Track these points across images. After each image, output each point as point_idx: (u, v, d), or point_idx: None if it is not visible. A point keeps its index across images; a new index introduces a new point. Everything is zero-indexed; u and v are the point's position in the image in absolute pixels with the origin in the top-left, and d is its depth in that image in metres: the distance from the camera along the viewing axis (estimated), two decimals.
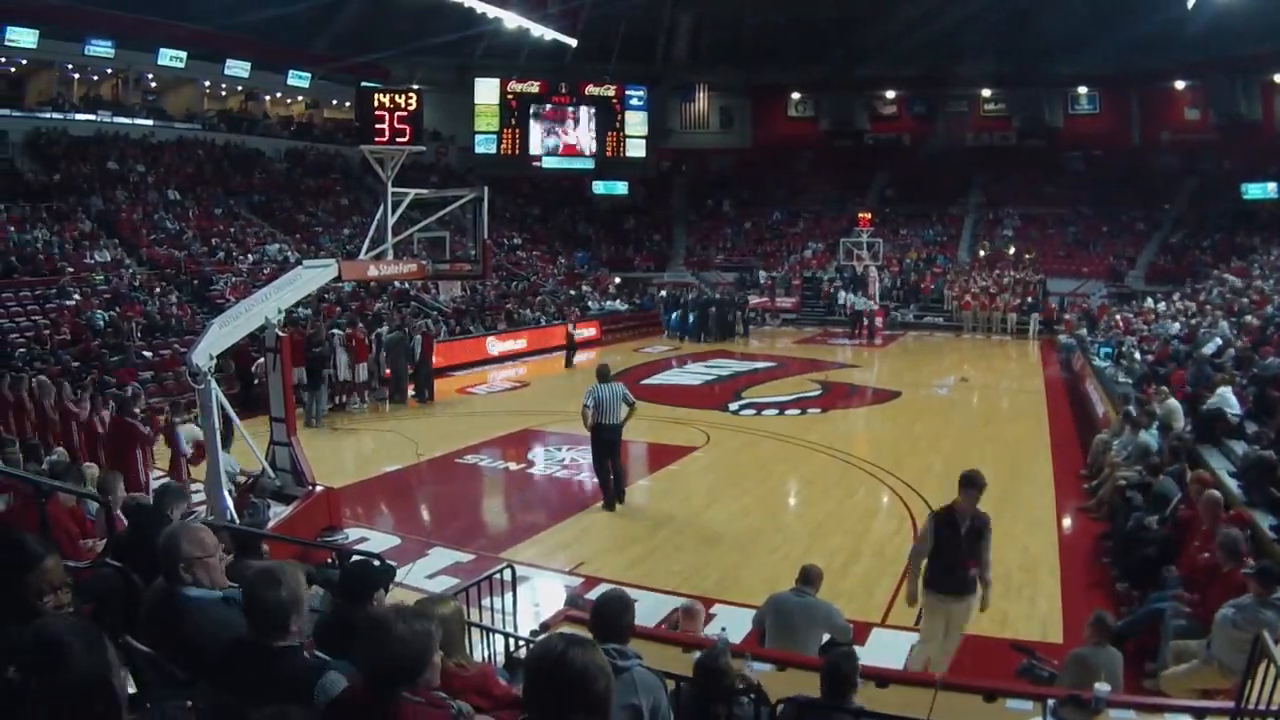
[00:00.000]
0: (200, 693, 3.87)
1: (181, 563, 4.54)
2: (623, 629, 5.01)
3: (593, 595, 9.60)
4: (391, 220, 15.71)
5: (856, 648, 8.46)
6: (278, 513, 12.54)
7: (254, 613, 3.96)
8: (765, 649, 7.96)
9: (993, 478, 16.79)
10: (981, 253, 49.42)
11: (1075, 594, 11.24)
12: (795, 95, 60.78)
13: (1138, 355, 23.98)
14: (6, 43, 38.37)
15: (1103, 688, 5.96)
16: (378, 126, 15.48)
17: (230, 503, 11.73)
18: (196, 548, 4.62)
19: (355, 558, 8.82)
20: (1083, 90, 54.27)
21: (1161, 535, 11.05)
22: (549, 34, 44.72)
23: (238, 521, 11.12)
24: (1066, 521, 14.59)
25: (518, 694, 4.47)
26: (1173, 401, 16.26)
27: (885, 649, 9.71)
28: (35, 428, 16.21)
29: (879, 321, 40.85)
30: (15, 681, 2.73)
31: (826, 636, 8.19)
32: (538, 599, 11.54)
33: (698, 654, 6.88)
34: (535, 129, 56.85)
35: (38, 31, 38.42)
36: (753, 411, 24.50)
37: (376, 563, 7.96)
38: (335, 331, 25.53)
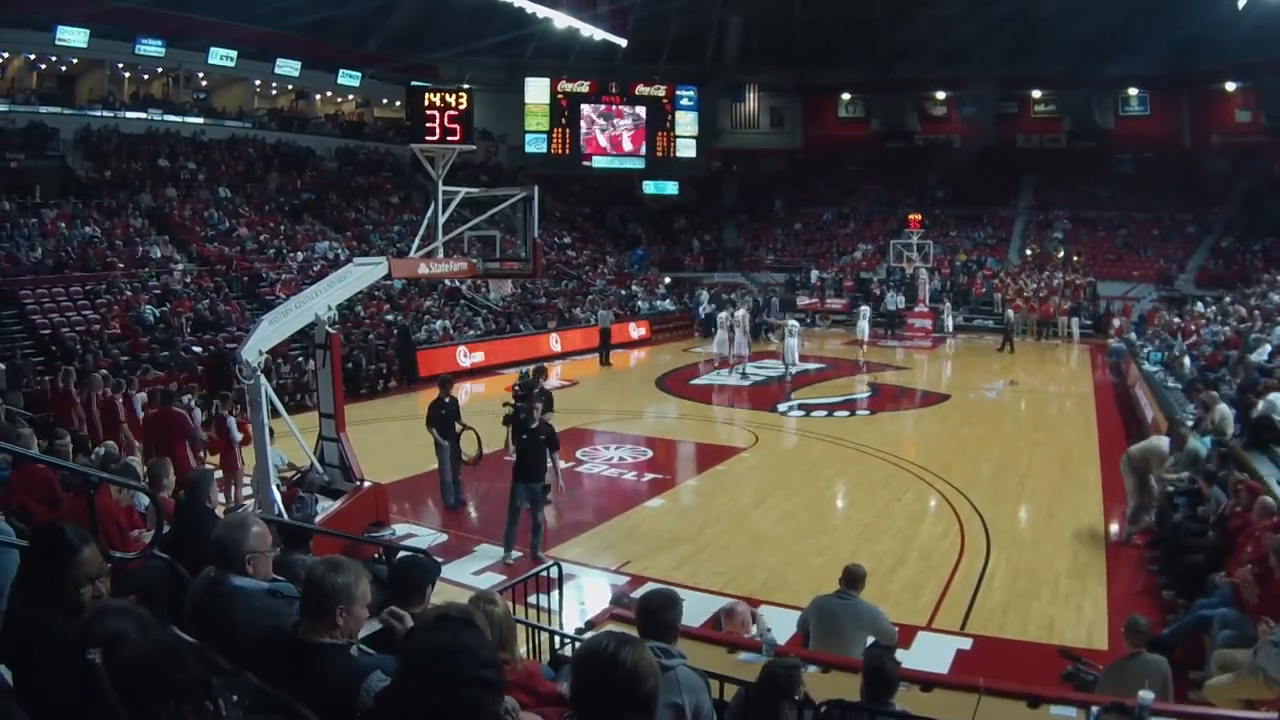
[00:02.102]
0: (245, 684, 3.92)
1: (247, 554, 4.61)
2: (668, 627, 5.02)
3: (639, 594, 9.65)
4: (442, 219, 15.75)
5: (901, 651, 8.48)
6: (325, 507, 12.63)
7: (308, 596, 4.01)
8: (809, 651, 7.96)
9: (1042, 483, 16.74)
10: (1029, 252, 49.07)
11: (1122, 601, 11.16)
12: (845, 96, 60.63)
13: (1187, 360, 23.76)
14: (57, 42, 39.06)
15: (1146, 695, 5.95)
16: (428, 125, 15.50)
17: (279, 497, 11.82)
18: (260, 541, 4.73)
19: (403, 554, 8.89)
20: (1133, 92, 53.85)
21: (1210, 542, 10.97)
22: (599, 34, 44.70)
23: (285, 516, 11.22)
24: (1114, 527, 14.47)
25: (563, 691, 4.50)
26: (1223, 407, 16.12)
27: (930, 652, 9.72)
28: (83, 420, 16.43)
29: (927, 323, 40.66)
30: (95, 664, 2.79)
31: (871, 639, 8.18)
32: (584, 597, 11.64)
33: (741, 654, 6.93)
34: (585, 128, 56.97)
35: (88, 31, 39.00)
36: (802, 413, 24.46)
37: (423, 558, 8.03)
38: None
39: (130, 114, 41.40)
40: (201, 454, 15.43)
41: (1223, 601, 9.21)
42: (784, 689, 5.54)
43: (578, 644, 7.48)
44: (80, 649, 2.78)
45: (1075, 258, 47.10)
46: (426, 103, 15.52)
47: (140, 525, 8.82)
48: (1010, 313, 37.00)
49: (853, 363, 33.75)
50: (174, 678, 2.84)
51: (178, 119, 43.32)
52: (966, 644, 10.18)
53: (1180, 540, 11.63)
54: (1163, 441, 14.30)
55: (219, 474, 14.55)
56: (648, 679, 3.12)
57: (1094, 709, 6.13)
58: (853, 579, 8.45)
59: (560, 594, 9.93)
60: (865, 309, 38.09)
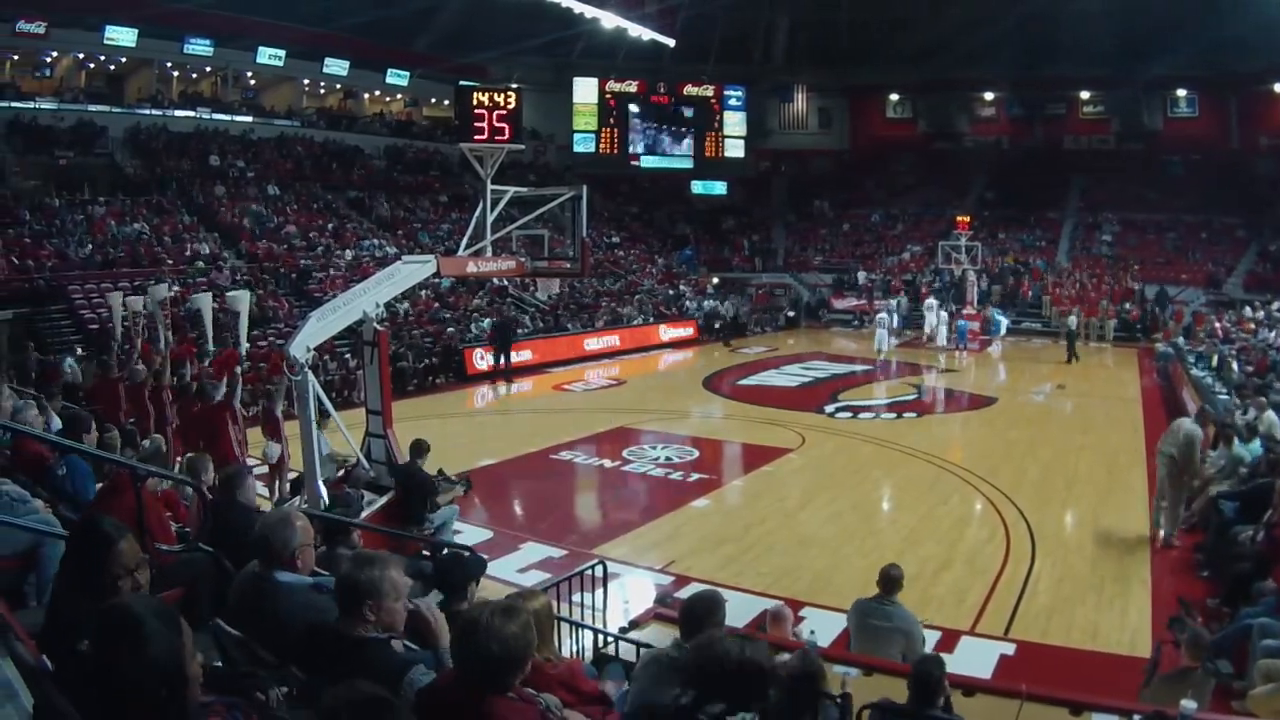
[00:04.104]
0: (290, 677, 3.98)
1: (293, 549, 4.70)
2: (710, 628, 5.06)
3: (683, 594, 9.66)
4: (490, 217, 15.80)
5: (944, 655, 8.48)
6: (371, 503, 12.72)
7: (341, 594, 4.11)
8: (851, 653, 7.98)
9: (1088, 487, 16.64)
10: (1068, 265, 48.62)
11: (1166, 608, 11.09)
12: (893, 96, 60.40)
13: (1235, 365, 23.57)
14: (106, 41, 39.59)
15: (1189, 705, 5.94)
16: (477, 125, 15.55)
17: (324, 492, 11.90)
18: (304, 535, 4.83)
19: (448, 550, 8.97)
20: (1181, 93, 53.31)
21: (1256, 550, 10.90)
22: (647, 34, 44.71)
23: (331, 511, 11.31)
24: (1161, 533, 14.39)
25: (604, 690, 4.55)
26: (1270, 414, 16.01)
27: (974, 657, 9.72)
28: (129, 414, 16.55)
29: (975, 325, 40.43)
30: (88, 654, 2.84)
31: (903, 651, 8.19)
32: (628, 596, 11.67)
33: (785, 656, 6.96)
34: (633, 128, 57.05)
35: (137, 31, 39.48)
36: (849, 414, 24.39)
37: (467, 554, 8.09)
38: None
39: (179, 112, 41.84)
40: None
41: (1267, 610, 9.15)
42: (808, 681, 5.60)
43: (620, 642, 7.54)
44: (92, 637, 2.85)
45: (1135, 266, 46.53)
46: (475, 102, 15.58)
47: (186, 517, 8.94)
48: (1072, 319, 35.93)
49: (900, 364, 33.66)
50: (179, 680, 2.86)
51: (226, 118, 43.78)
52: (1010, 649, 10.16)
53: (1226, 548, 11.57)
54: (1196, 429, 14.18)
55: (265, 469, 14.76)
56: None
57: (1136, 717, 6.13)
58: (889, 583, 8.45)
59: (604, 592, 10.00)
60: (932, 302, 38.51)
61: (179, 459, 12.73)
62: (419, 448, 12.52)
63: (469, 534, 13.84)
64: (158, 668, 2.77)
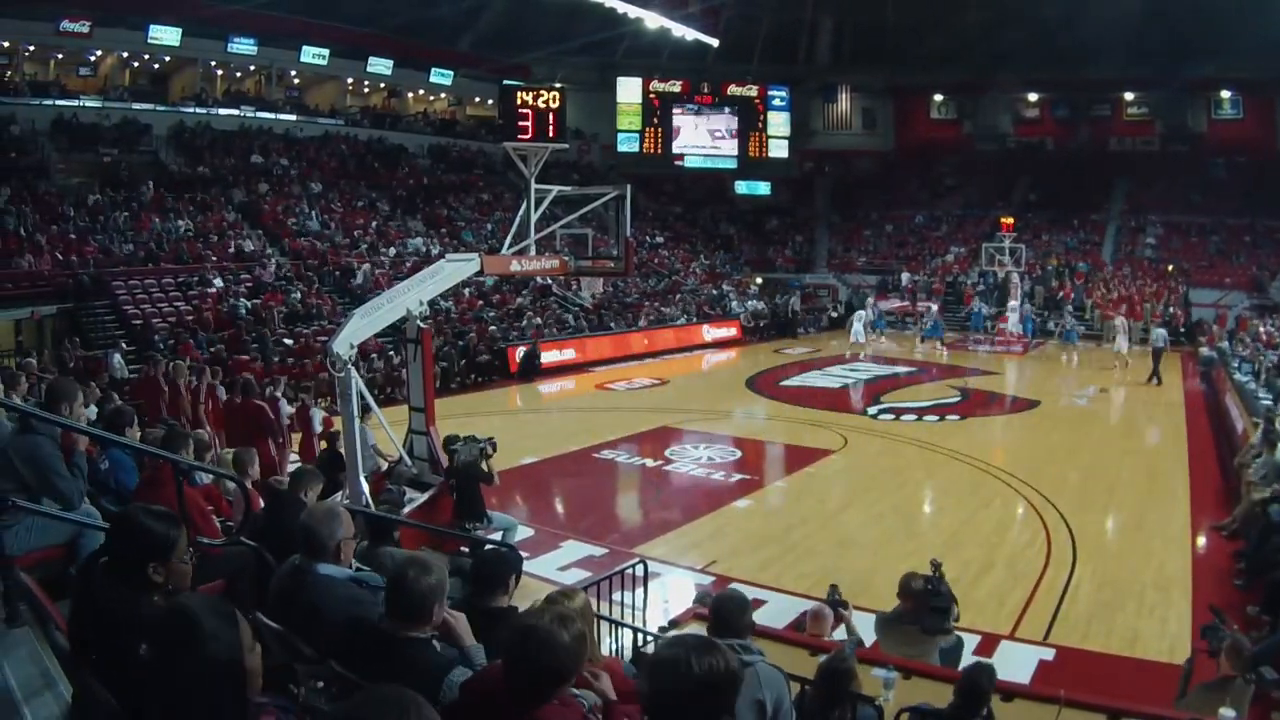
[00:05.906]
0: (330, 672, 4.04)
1: (338, 541, 4.78)
2: (741, 628, 5.11)
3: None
4: (534, 216, 15.86)
5: (983, 659, 8.48)
6: (413, 500, 12.79)
7: (401, 599, 4.08)
8: (889, 656, 8.00)
9: (1130, 492, 16.60)
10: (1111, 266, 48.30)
11: (1206, 616, 11.05)
12: (938, 97, 60.13)
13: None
14: (150, 40, 39.96)
15: (1227, 714, 5.94)
16: (521, 124, 15.59)
17: (367, 489, 11.98)
18: (348, 528, 4.92)
19: (488, 547, 9.03)
20: (1225, 94, 52.85)
21: None
22: (690, 34, 44.75)
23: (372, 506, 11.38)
24: (1201, 540, 14.33)
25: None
26: None
27: (1013, 662, 9.71)
28: (170, 409, 16.70)
29: (1018, 328, 40.26)
30: (147, 658, 2.88)
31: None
32: (668, 595, 11.74)
33: (823, 657, 7.00)
34: (678, 127, 57.08)
35: (180, 30, 39.90)
36: (891, 416, 24.34)
37: (505, 550, 8.15)
38: None
39: (223, 111, 42.21)
40: (282, 444, 15.67)
41: None
42: (838, 680, 5.63)
43: (660, 642, 7.59)
44: (152, 639, 2.89)
45: (1169, 268, 46.24)
46: (519, 101, 15.62)
47: (227, 511, 9.04)
48: (1161, 332, 32.97)
49: (943, 366, 33.51)
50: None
51: (270, 116, 44.12)
52: (1049, 654, 10.18)
53: (1267, 555, 11.50)
54: None
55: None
56: (724, 686, 3.13)
57: None
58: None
59: (645, 591, 10.04)
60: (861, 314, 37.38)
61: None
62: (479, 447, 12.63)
63: (510, 532, 13.91)
64: (218, 666, 2.83)
